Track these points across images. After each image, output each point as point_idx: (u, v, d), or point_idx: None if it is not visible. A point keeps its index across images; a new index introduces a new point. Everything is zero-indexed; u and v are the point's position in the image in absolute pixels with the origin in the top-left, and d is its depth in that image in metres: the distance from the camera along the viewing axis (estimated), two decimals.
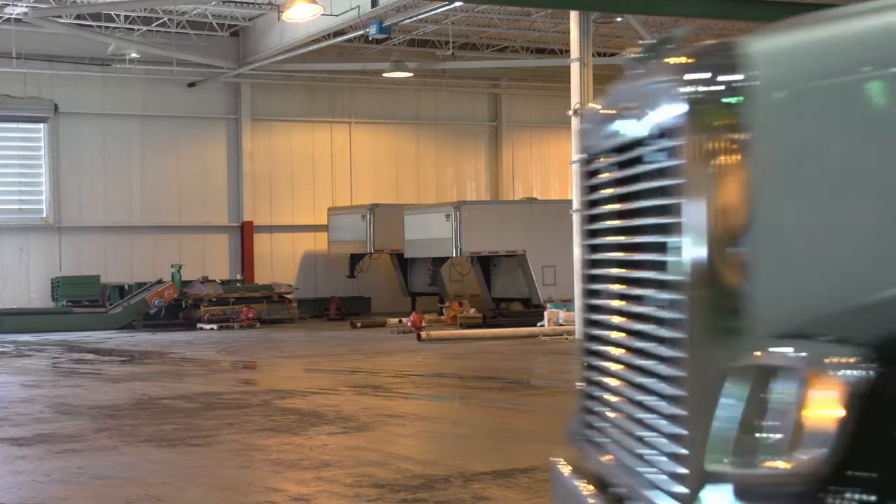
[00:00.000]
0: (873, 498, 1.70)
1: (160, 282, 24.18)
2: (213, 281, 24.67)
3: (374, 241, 25.37)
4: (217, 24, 24.74)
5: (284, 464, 7.59)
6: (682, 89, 1.99)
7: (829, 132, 1.92)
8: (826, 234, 1.94)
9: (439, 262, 24.22)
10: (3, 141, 25.00)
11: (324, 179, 27.87)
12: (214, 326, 22.98)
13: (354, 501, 6.41)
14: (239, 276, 26.29)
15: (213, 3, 22.96)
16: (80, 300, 24.16)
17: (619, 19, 22.51)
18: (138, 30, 24.65)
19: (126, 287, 24.70)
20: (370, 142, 28.42)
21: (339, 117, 28.04)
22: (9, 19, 22.51)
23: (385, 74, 25.33)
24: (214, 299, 23.84)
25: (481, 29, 25.25)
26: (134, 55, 24.56)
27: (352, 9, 20.37)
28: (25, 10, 21.71)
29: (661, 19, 21.84)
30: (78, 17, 23.39)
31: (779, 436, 1.79)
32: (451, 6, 20.81)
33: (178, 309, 23.99)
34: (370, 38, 22.95)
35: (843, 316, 1.87)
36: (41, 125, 25.09)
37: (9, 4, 21.69)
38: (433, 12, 21.65)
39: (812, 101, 1.92)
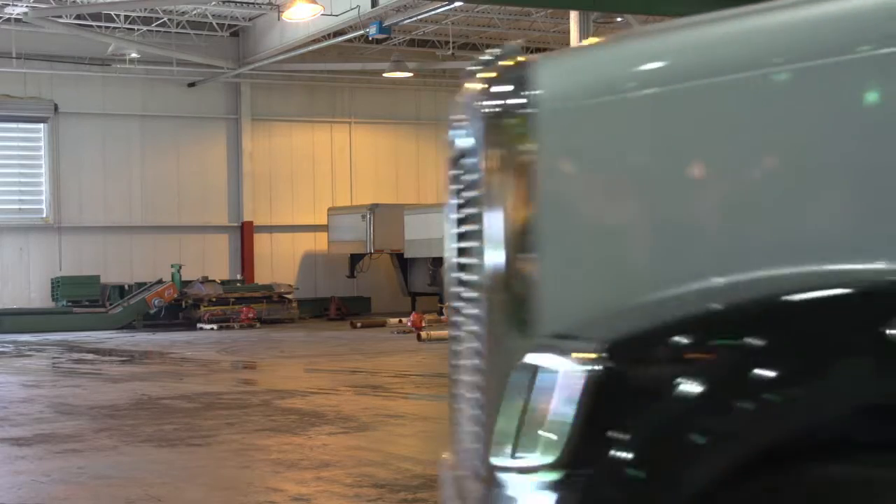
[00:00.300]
0: (613, 481, 1.86)
1: (160, 282, 24.18)
2: (213, 281, 24.67)
3: (374, 241, 25.37)
4: (217, 24, 24.74)
5: (284, 464, 7.59)
6: (478, 105, 2.17)
7: (602, 146, 2.09)
8: (601, 240, 2.10)
9: (439, 262, 24.21)
10: (3, 141, 25.00)
11: (324, 179, 27.87)
12: (214, 326, 22.98)
13: (354, 501, 6.40)
14: (239, 276, 26.29)
15: (213, 3, 22.96)
16: (80, 300, 24.16)
17: (619, 19, 22.51)
18: (138, 30, 24.65)
19: (126, 287, 24.70)
20: (370, 142, 28.42)
21: (339, 117, 28.04)
22: (9, 19, 22.51)
23: (385, 74, 25.33)
24: (214, 299, 23.84)
25: (481, 29, 25.25)
26: (134, 55, 24.55)
27: (352, 9, 20.37)
28: (25, 10, 21.71)
29: (661, 19, 21.84)
30: (78, 17, 23.38)
31: (538, 429, 1.93)
32: (451, 6, 20.80)
33: (178, 309, 23.99)
34: (370, 38, 22.95)
35: (609, 316, 2.01)
36: (41, 125, 25.09)
37: (9, 4, 21.69)
38: (433, 12, 21.65)
39: (589, 116, 2.08)
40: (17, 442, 8.78)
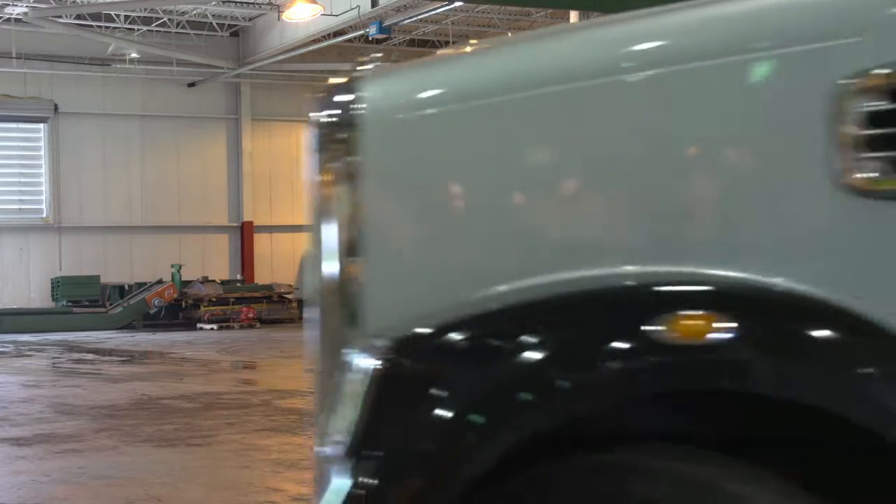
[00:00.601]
0: (390, 466, 2.07)
1: (160, 282, 24.19)
2: (213, 281, 24.67)
3: None
4: (217, 24, 24.74)
5: (284, 464, 7.59)
6: (314, 118, 2.35)
7: (421, 157, 2.28)
8: (418, 245, 2.28)
9: None
10: (3, 141, 25.00)
11: None
12: (214, 326, 22.98)
13: None
14: (239, 276, 26.30)
15: (213, 3, 22.96)
16: (80, 300, 24.16)
17: None
18: (138, 30, 24.66)
19: (126, 287, 24.70)
20: None
21: None
22: (9, 19, 22.51)
23: None
24: (214, 299, 23.85)
25: (481, 29, 25.25)
26: (134, 55, 24.57)
27: (352, 9, 20.38)
28: (25, 10, 21.71)
29: None
30: (78, 17, 23.39)
31: (338, 420, 2.14)
32: (451, 6, 20.82)
33: (178, 309, 23.99)
34: (370, 38, 22.94)
35: (418, 316, 2.18)
36: (41, 125, 25.10)
37: (9, 4, 21.70)
38: (433, 12, 21.65)
39: (409, 129, 2.27)
40: (17, 442, 8.79)
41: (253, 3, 23.31)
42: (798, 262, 2.03)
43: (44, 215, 25.30)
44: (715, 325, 1.96)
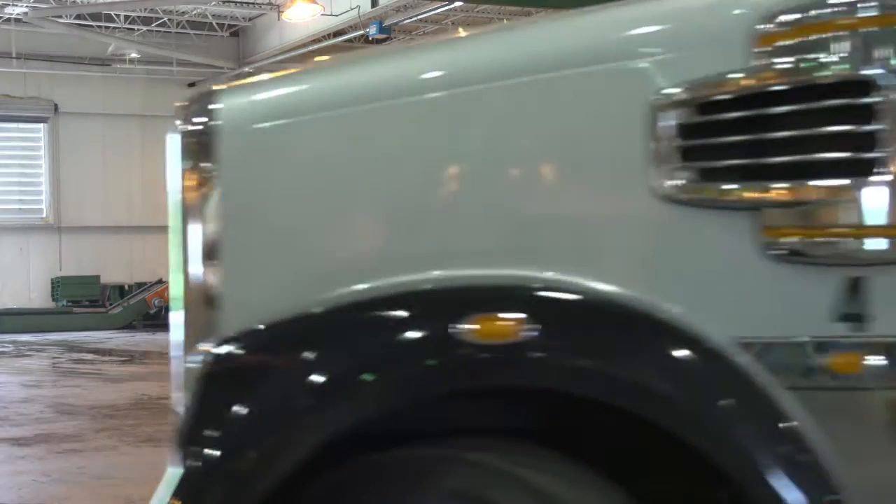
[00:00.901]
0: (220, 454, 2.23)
1: (160, 282, 24.18)
2: None
3: None
4: (217, 24, 24.74)
5: None
6: (177, 126, 2.48)
7: (273, 165, 2.43)
8: (272, 248, 2.41)
9: None
10: (3, 141, 25.00)
11: None
12: None
13: None
14: None
15: (213, 3, 22.97)
16: (80, 300, 24.17)
17: None
18: (138, 30, 24.66)
19: (126, 287, 24.71)
20: None
21: None
22: (9, 19, 22.51)
23: None
24: None
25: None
26: (134, 55, 24.58)
27: (352, 9, 20.38)
28: (25, 10, 21.72)
29: None
30: (78, 17, 23.39)
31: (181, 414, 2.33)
32: (451, 6, 20.82)
33: None
34: (370, 38, 22.94)
35: (260, 319, 2.33)
36: (41, 125, 25.10)
37: (9, 4, 21.70)
38: (433, 12, 21.65)
39: (262, 137, 2.42)
40: (17, 442, 8.79)
41: (253, 3, 23.31)
42: (613, 265, 2.21)
43: (44, 215, 25.30)
44: (517, 326, 2.13)
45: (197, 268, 2.42)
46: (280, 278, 2.38)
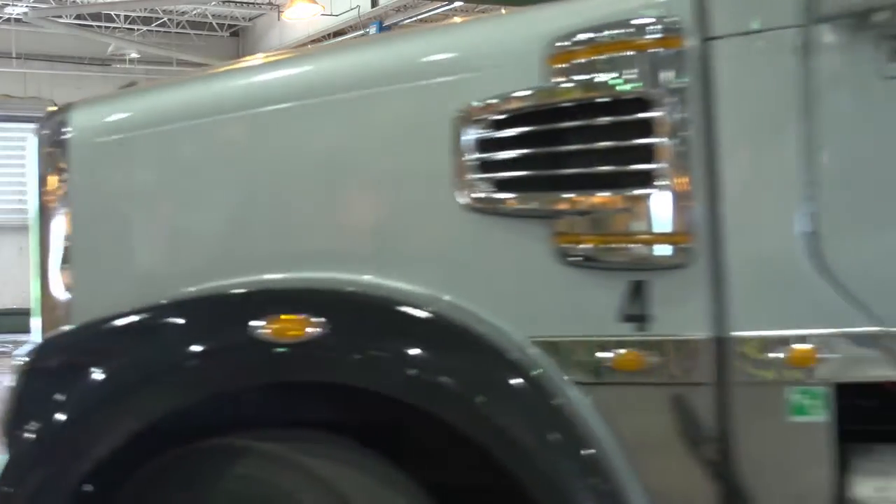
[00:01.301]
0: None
1: None
2: None
3: None
4: (217, 24, 24.74)
5: None
6: (34, 139, 2.72)
7: (117, 175, 2.64)
8: (116, 252, 2.62)
9: None
10: (3, 141, 24.98)
11: None
12: None
13: None
14: None
15: (213, 3, 22.97)
16: None
17: None
18: (138, 30, 24.65)
19: None
20: None
21: None
22: (9, 19, 22.51)
23: None
24: None
25: None
26: (134, 55, 24.56)
27: (352, 9, 20.38)
28: (25, 10, 21.72)
29: None
30: (78, 17, 23.39)
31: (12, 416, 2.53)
32: (451, 6, 20.81)
33: None
34: None
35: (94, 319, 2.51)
36: None
37: (9, 4, 21.70)
38: (433, 12, 21.64)
39: (107, 150, 2.63)
40: None
41: (253, 3, 23.31)
42: (419, 270, 2.40)
43: None
44: (307, 324, 2.29)
45: (52, 270, 2.65)
46: (120, 281, 2.59)
